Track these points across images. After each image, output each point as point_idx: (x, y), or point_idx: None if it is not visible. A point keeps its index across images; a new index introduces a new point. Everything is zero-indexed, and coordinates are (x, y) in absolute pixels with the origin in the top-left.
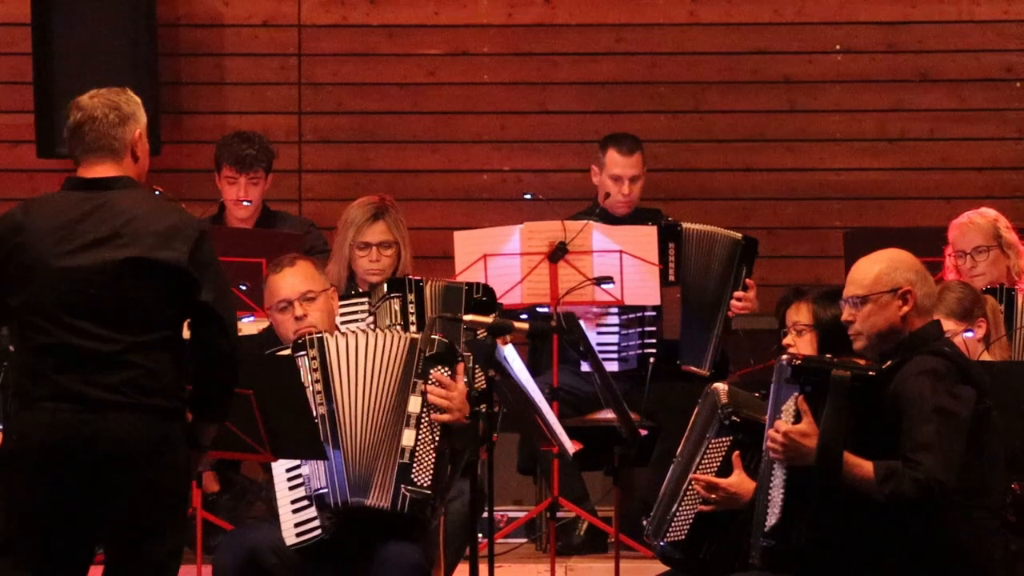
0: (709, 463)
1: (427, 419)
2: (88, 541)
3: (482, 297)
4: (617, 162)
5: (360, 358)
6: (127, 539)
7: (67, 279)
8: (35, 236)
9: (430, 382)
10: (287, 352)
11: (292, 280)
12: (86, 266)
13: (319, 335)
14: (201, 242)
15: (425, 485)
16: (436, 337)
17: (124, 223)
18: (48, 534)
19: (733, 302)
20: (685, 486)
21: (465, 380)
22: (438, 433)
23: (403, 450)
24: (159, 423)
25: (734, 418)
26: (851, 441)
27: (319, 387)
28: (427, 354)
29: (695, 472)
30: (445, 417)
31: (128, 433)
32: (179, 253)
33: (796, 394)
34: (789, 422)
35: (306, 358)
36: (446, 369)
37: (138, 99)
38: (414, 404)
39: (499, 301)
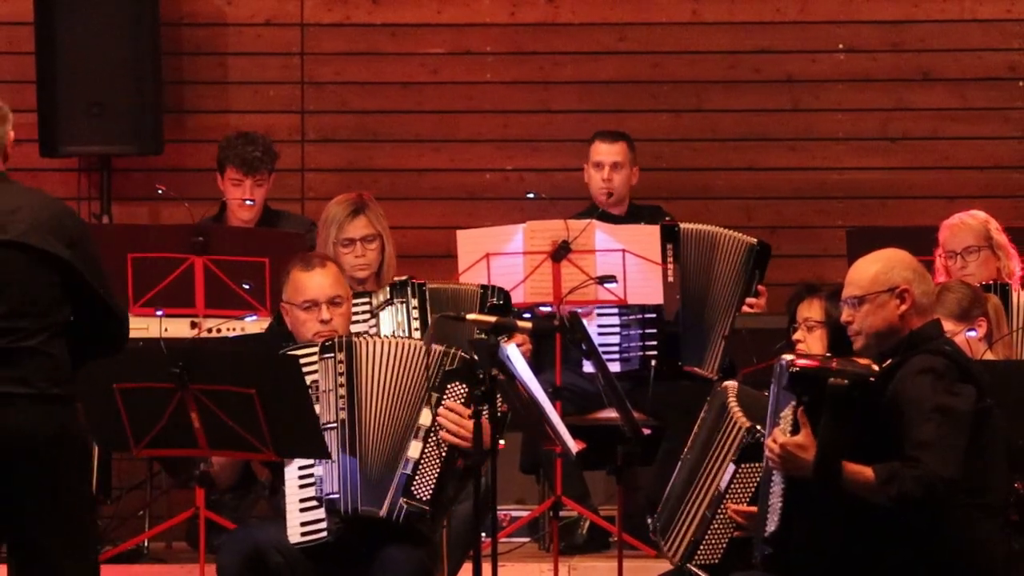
0: (743, 489)
1: (435, 435)
2: None
3: (498, 302)
4: (599, 150)
5: (385, 366)
6: (35, 534)
7: None
8: None
9: (445, 402)
10: (313, 350)
11: (323, 282)
12: None
13: (349, 339)
14: (84, 234)
15: (424, 499)
16: (459, 353)
17: (7, 213)
18: None
19: (744, 308)
20: (694, 492)
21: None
22: (444, 450)
23: (407, 461)
24: (62, 412)
25: (762, 440)
26: (851, 444)
27: (343, 391)
28: (447, 368)
29: (727, 500)
30: (454, 440)
31: (36, 426)
32: (62, 247)
33: (793, 403)
34: (787, 431)
35: (333, 360)
36: (464, 386)
37: None
38: (426, 416)
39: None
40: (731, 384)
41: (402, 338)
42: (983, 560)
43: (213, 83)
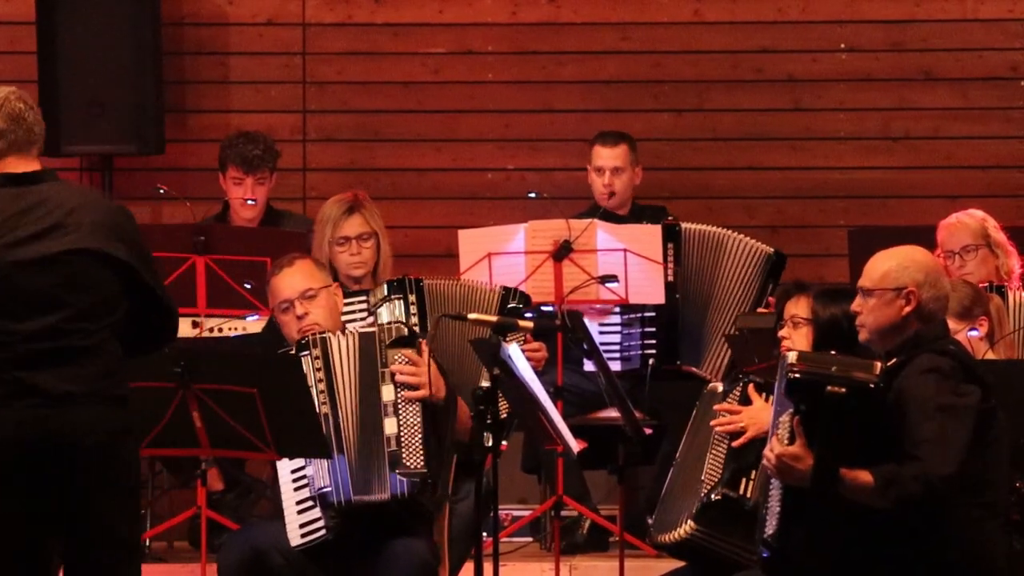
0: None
1: (403, 403)
2: (47, 539)
3: (518, 304)
4: (600, 154)
5: (354, 357)
6: (87, 534)
7: (16, 272)
8: None
9: (397, 361)
10: (292, 351)
11: (291, 280)
12: (33, 258)
13: (323, 335)
14: (136, 232)
15: (419, 466)
16: (392, 324)
17: (66, 214)
18: (11, 533)
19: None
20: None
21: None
22: (418, 415)
23: (388, 439)
24: (118, 411)
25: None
26: (851, 450)
27: (322, 387)
28: (386, 343)
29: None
30: (418, 394)
31: (92, 424)
32: (122, 247)
33: (791, 410)
34: (784, 439)
35: (310, 358)
36: (408, 350)
37: None
38: (387, 393)
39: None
40: (717, 386)
41: (370, 329)
42: (984, 560)
43: (215, 83)
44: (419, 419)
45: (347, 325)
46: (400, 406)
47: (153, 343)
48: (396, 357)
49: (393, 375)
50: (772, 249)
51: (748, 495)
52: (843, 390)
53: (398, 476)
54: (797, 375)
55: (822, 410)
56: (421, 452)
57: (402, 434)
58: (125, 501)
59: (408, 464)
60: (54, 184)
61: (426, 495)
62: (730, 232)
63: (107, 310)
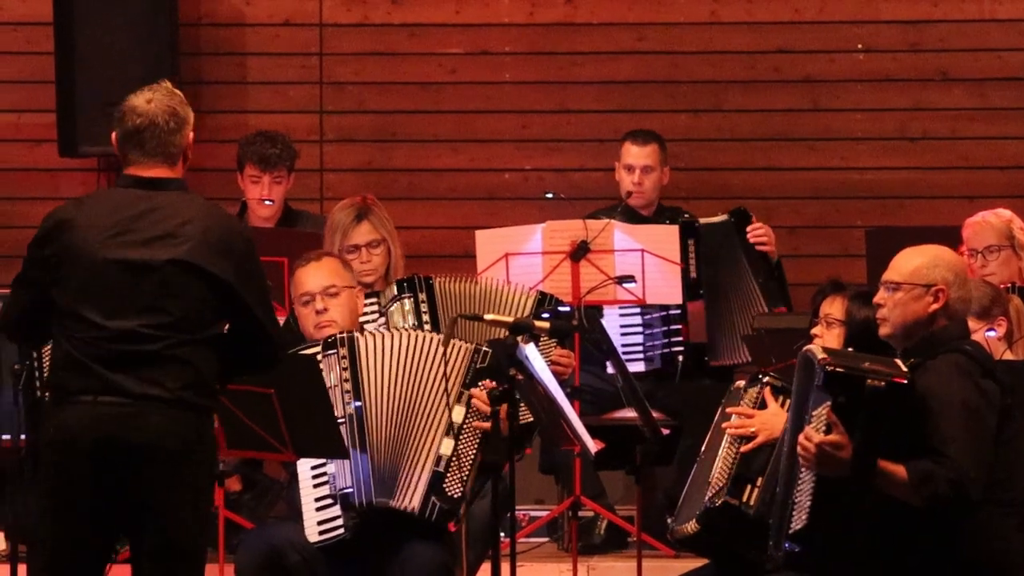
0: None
1: (469, 430)
2: (113, 536)
3: (549, 304)
4: (630, 152)
5: (392, 358)
6: (157, 535)
7: (118, 272)
8: (87, 231)
9: (476, 391)
10: (316, 350)
11: (316, 275)
12: (138, 261)
13: (349, 334)
14: (249, 254)
15: (456, 496)
16: (487, 349)
17: (179, 225)
18: (80, 526)
19: (760, 245)
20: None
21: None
22: (476, 446)
23: (440, 458)
24: (197, 420)
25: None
26: (884, 440)
27: (348, 386)
28: (478, 366)
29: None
30: (487, 425)
31: (169, 428)
32: (227, 266)
33: (829, 403)
34: (820, 430)
35: (336, 356)
36: (493, 385)
37: (183, 97)
38: (458, 414)
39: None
40: (741, 384)
41: (409, 329)
42: (1000, 557)
43: (232, 83)
44: (474, 452)
45: (364, 326)
46: (464, 432)
47: (248, 365)
48: (480, 385)
49: (470, 400)
50: (725, 215)
51: (751, 503)
52: (883, 384)
53: (433, 499)
54: (837, 369)
55: (862, 402)
56: (461, 485)
57: (454, 459)
58: (192, 508)
59: (447, 492)
60: (177, 194)
61: (449, 522)
62: (713, 218)
63: (199, 323)
